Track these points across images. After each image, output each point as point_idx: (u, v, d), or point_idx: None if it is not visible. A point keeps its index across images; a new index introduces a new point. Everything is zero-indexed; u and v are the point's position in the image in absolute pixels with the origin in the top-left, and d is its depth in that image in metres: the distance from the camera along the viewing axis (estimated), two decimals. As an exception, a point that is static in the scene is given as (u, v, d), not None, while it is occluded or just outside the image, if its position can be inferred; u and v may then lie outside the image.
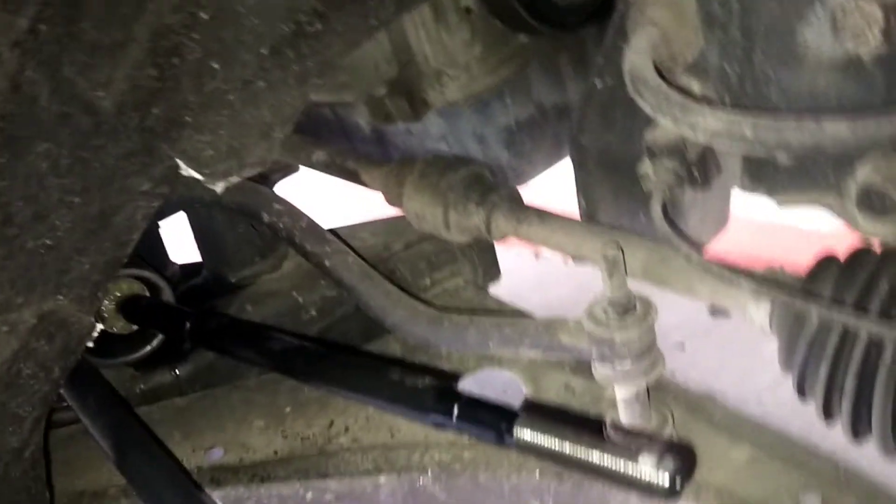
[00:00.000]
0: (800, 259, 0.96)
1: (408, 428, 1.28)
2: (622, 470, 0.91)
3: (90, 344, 0.95)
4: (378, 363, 1.33)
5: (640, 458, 0.89)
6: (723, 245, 1.17)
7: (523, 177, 1.56)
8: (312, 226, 1.30)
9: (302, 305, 1.57)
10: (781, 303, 0.92)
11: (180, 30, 0.81)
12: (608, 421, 0.98)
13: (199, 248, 1.70)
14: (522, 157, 1.52)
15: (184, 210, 1.64)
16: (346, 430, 1.32)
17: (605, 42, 1.02)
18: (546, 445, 0.97)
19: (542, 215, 1.23)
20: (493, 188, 1.30)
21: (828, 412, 0.91)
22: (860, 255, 0.91)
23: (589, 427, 0.97)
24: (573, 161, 1.16)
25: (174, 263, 1.77)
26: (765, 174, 0.98)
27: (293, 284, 1.60)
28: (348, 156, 1.54)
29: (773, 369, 0.95)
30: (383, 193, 1.43)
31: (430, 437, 1.25)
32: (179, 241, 1.76)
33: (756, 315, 0.95)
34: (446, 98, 1.35)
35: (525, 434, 0.98)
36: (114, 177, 0.84)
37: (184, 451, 1.33)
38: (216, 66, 0.83)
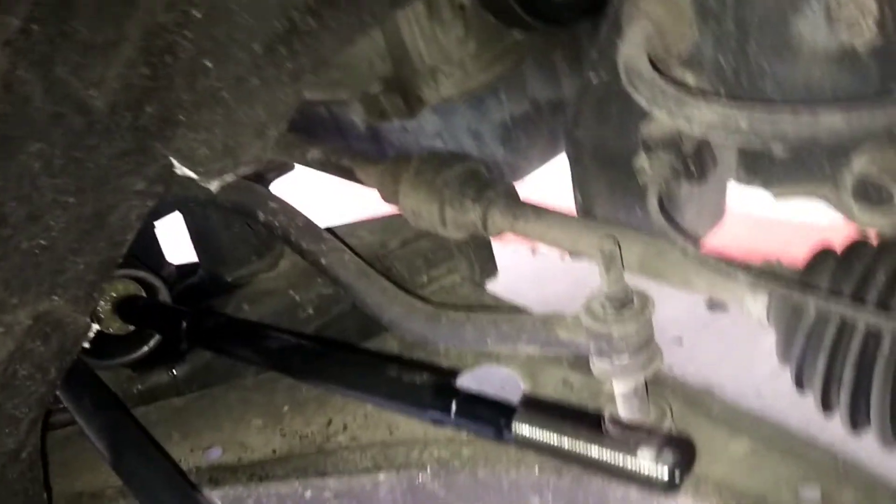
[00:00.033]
0: (796, 252, 0.96)
1: (406, 425, 1.28)
2: (621, 464, 0.91)
3: (86, 345, 0.94)
4: (376, 361, 1.33)
5: (639, 452, 0.90)
6: (719, 239, 1.17)
7: (519, 173, 1.56)
8: (308, 224, 1.30)
9: (299, 304, 1.57)
10: (779, 295, 0.92)
11: (173, 28, 0.81)
12: (607, 415, 0.98)
13: (195, 247, 1.70)
14: (518, 153, 1.52)
15: (179, 210, 1.64)
16: (345, 428, 1.32)
17: (600, 36, 1.02)
18: (545, 440, 0.97)
19: (539, 211, 1.23)
20: (488, 184, 1.30)
21: (826, 404, 0.91)
22: (857, 247, 0.91)
23: (587, 422, 0.97)
24: (569, 156, 1.16)
25: (170, 263, 1.77)
26: (760, 166, 0.98)
27: (290, 283, 1.60)
28: (343, 153, 1.54)
29: (770, 362, 0.95)
30: (379, 191, 1.42)
31: (428, 434, 1.25)
32: (175, 241, 1.76)
33: (753, 308, 0.95)
34: (441, 95, 1.35)
35: (523, 429, 0.98)
36: (108, 176, 0.84)
37: (182, 451, 1.33)
38: (209, 64, 0.83)
